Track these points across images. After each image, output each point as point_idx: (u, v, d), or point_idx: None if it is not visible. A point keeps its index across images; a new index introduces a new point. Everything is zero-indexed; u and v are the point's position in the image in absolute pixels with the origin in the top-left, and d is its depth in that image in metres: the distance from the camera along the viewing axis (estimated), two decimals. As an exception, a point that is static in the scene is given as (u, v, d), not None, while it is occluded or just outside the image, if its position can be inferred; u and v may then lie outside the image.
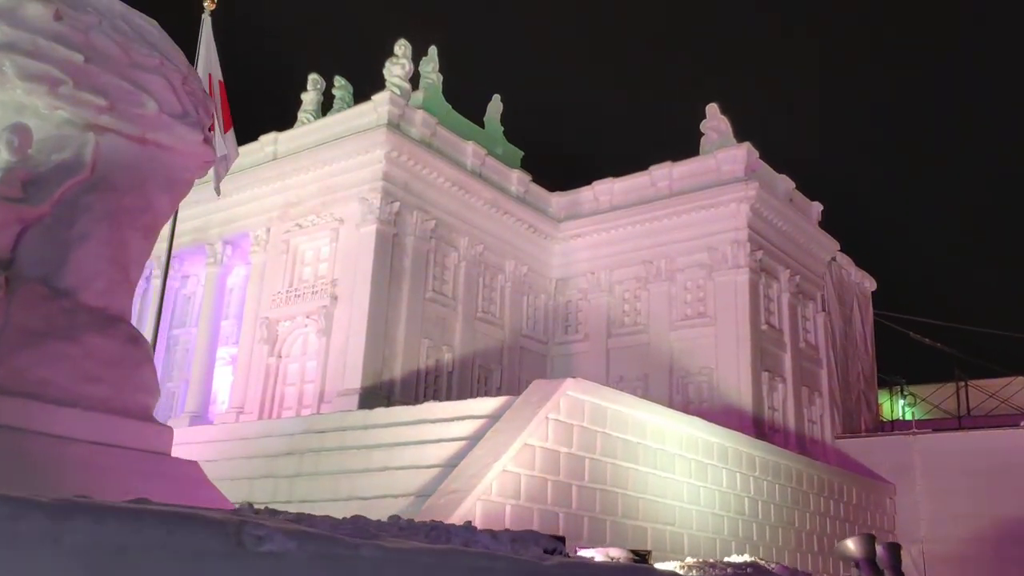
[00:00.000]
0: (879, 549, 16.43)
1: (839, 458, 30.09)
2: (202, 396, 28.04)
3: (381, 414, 19.27)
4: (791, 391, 29.28)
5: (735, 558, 12.44)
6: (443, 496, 14.29)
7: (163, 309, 30.95)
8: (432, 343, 26.84)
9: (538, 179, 34.27)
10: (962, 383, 39.71)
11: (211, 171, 17.06)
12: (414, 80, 33.62)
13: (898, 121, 63.43)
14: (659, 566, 9.45)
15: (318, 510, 14.73)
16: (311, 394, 25.25)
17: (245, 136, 29.42)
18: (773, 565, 11.71)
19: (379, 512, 14.87)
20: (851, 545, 15.28)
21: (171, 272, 30.87)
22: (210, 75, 17.14)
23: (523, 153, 37.53)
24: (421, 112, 27.64)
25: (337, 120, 27.81)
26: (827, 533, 24.78)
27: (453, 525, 8.05)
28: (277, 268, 27.38)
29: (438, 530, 7.13)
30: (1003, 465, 27.32)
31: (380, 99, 26.61)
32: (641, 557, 9.51)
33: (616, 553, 9.41)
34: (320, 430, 19.60)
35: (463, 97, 37.39)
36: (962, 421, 35.17)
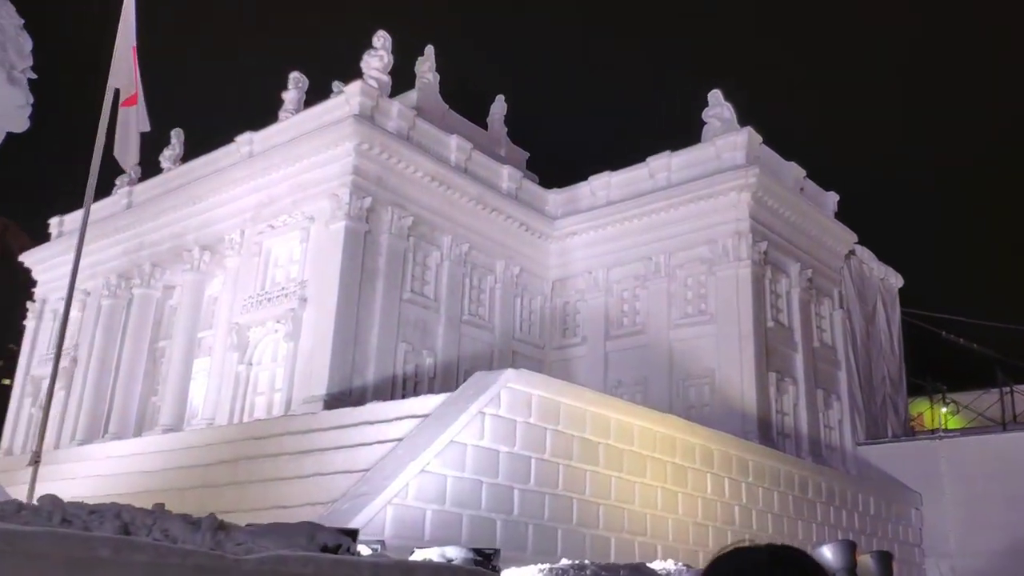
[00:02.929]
0: (868, 559, 14.33)
1: (860, 466, 27.70)
2: (178, 408, 26.85)
3: (324, 417, 17.77)
4: (803, 394, 27.01)
5: (660, 564, 10.58)
6: (348, 501, 12.64)
7: (146, 321, 30.08)
8: (411, 347, 25.26)
9: (545, 180, 32.73)
10: (1006, 388, 36.86)
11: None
12: (408, 80, 32.54)
13: (925, 104, 60.14)
14: (518, 571, 7.74)
15: (240, 520, 13.16)
16: (280, 403, 23.83)
17: (229, 139, 28.47)
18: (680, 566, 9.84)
19: (300, 520, 13.30)
20: (828, 553, 13.26)
21: (152, 282, 30.04)
22: (134, 48, 16.02)
23: (528, 154, 36.09)
24: (397, 104, 26.28)
25: (310, 115, 26.57)
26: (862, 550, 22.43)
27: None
28: (250, 272, 26.14)
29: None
30: (1043, 471, 24.78)
31: (352, 90, 25.33)
32: (486, 557, 7.80)
33: (454, 553, 7.70)
34: (259, 436, 18.14)
35: (468, 98, 36.19)
36: (1007, 429, 32.44)
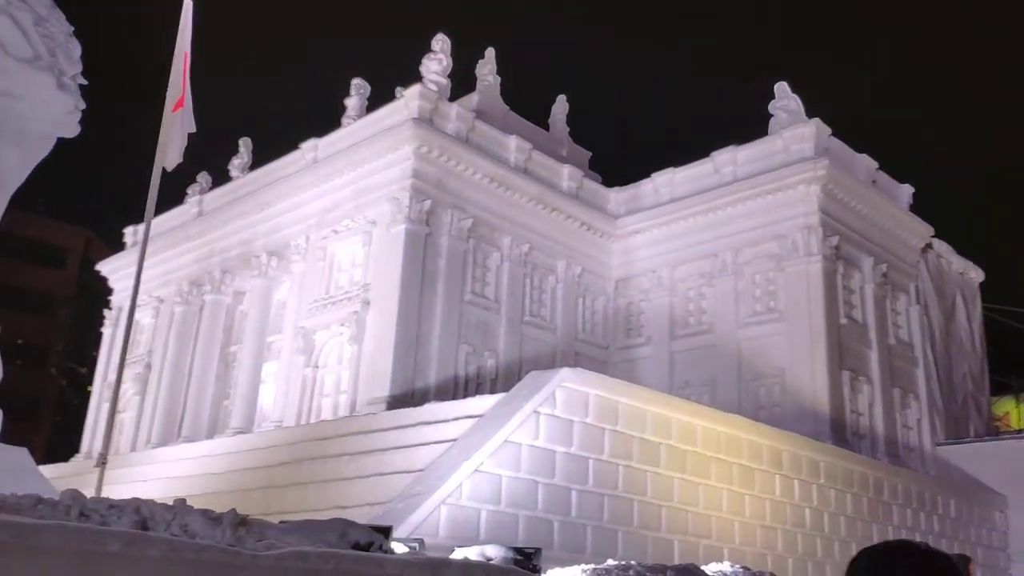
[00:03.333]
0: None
1: (940, 467, 26.59)
2: (248, 411, 27.32)
3: (383, 418, 17.79)
4: (879, 393, 26.03)
5: (716, 566, 10.19)
6: (402, 500, 12.56)
7: (217, 326, 30.72)
8: (472, 349, 25.20)
9: (609, 180, 32.37)
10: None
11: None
12: (471, 83, 32.59)
13: (1005, 90, 57.48)
14: (561, 571, 7.51)
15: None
16: (345, 404, 24.01)
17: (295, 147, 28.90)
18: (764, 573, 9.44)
19: (360, 520, 13.31)
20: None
21: (223, 288, 30.65)
22: (186, 53, 16.33)
23: (591, 154, 35.78)
24: (456, 107, 26.29)
25: (371, 120, 26.77)
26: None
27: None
28: (315, 276, 26.45)
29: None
30: None
31: (411, 94, 25.43)
32: (526, 556, 7.58)
33: (493, 552, 7.50)
34: (321, 437, 18.26)
35: (531, 99, 36.05)
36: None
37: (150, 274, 33.97)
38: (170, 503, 5.19)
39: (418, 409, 17.44)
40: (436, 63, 27.10)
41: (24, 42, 9.22)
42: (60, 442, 43.80)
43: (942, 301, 29.92)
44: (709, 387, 26.54)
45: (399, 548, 7.07)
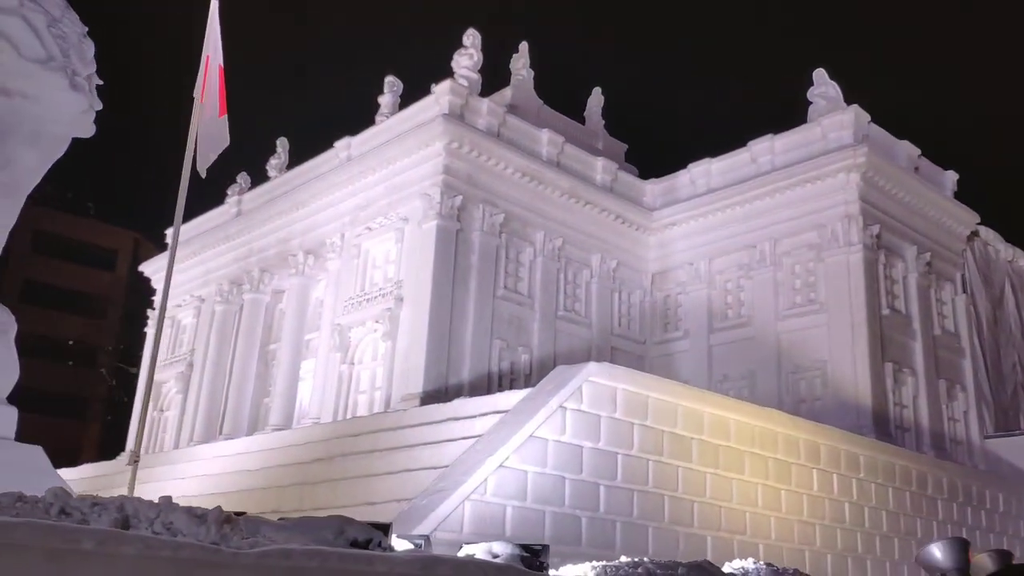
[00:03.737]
0: (985, 558, 13.22)
1: (989, 460, 25.84)
2: (287, 408, 27.57)
3: (413, 414, 17.77)
4: (924, 385, 25.36)
5: (739, 563, 9.93)
6: (426, 497, 12.49)
7: (257, 325, 31.03)
8: (506, 344, 25.09)
9: (647, 172, 31.97)
10: None
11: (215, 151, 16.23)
12: (505, 77, 32.49)
13: None
14: (573, 567, 7.34)
15: None
16: (380, 401, 24.08)
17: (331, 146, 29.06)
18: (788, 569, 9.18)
19: (387, 516, 13.29)
20: (937, 552, 12.28)
21: (262, 287, 30.94)
22: (208, 57, 16.42)
23: (627, 146, 35.46)
24: (487, 102, 26.17)
25: (403, 117, 26.78)
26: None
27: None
28: (350, 273, 26.56)
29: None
30: None
31: (441, 90, 25.38)
32: (534, 553, 7.43)
33: (500, 549, 7.36)
34: (353, 434, 18.30)
35: (566, 93, 35.80)
36: None
37: (191, 274, 34.51)
38: (163, 500, 5.15)
39: (447, 405, 17.39)
40: (467, 58, 27.00)
41: (37, 43, 9.30)
42: (110, 441, 44.73)
43: (989, 290, 29.07)
44: (748, 381, 26.11)
45: (402, 545, 6.99)
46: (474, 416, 15.77)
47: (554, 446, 13.72)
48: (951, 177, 29.01)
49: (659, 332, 29.33)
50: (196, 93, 14.36)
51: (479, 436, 14.80)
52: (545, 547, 7.65)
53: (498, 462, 12.82)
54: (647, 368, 28.36)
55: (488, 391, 23.86)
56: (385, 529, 6.29)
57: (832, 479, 17.94)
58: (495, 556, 7.09)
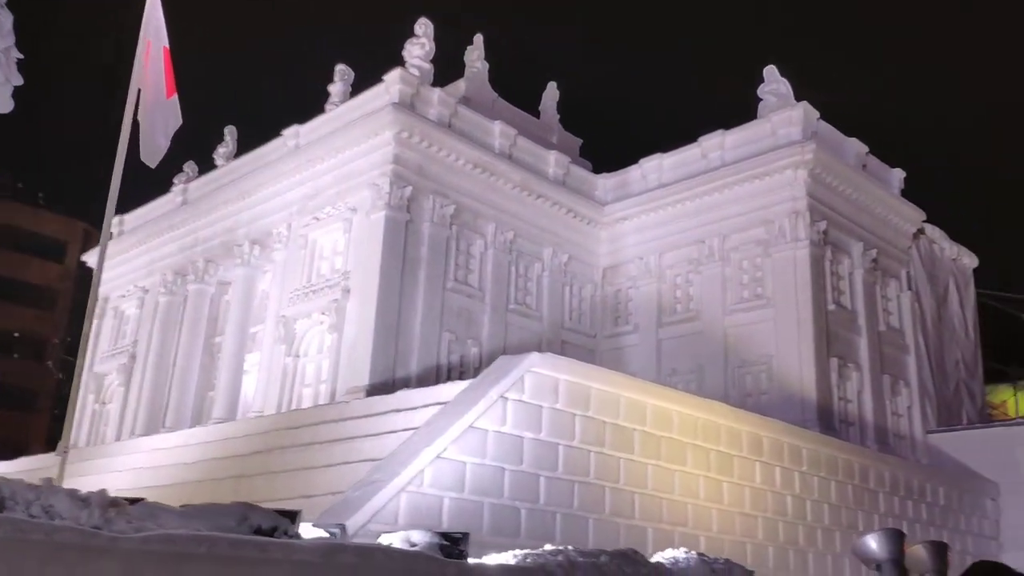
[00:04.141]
0: (920, 550, 13.28)
1: (932, 455, 26.23)
2: (231, 402, 27.04)
3: (355, 406, 17.51)
4: (868, 380, 25.66)
5: (671, 552, 9.84)
6: (360, 488, 12.24)
7: (201, 316, 30.44)
8: (455, 337, 24.86)
9: (602, 167, 31.88)
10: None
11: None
12: (460, 70, 32.22)
13: (1001, 76, 56.49)
14: (498, 556, 7.18)
15: None
16: (325, 394, 23.71)
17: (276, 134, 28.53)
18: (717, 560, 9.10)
19: (320, 509, 13.00)
20: (872, 543, 12.29)
21: (207, 278, 30.32)
22: (149, 42, 15.96)
23: (581, 141, 35.39)
24: (438, 91, 25.88)
25: (353, 105, 26.39)
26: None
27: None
28: (296, 264, 26.12)
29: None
30: None
31: (392, 79, 25.03)
32: (453, 541, 7.25)
33: (418, 537, 7.16)
34: (293, 426, 17.96)
35: (522, 87, 35.53)
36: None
37: (136, 264, 33.75)
38: (44, 482, 4.86)
39: (390, 396, 17.13)
40: (419, 48, 26.71)
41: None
42: (58, 434, 43.68)
43: (934, 287, 29.51)
44: (696, 375, 26.21)
45: (316, 534, 6.75)
46: (416, 408, 15.53)
47: (494, 437, 13.55)
48: (898, 175, 29.39)
49: (609, 326, 29.32)
50: (134, 82, 13.92)
51: (417, 427, 14.57)
52: (465, 535, 7.46)
53: (435, 453, 12.61)
54: (597, 362, 28.30)
55: (436, 384, 23.61)
56: (292, 517, 6.07)
57: (775, 472, 18.01)
58: (413, 545, 6.90)
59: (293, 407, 24.32)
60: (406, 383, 22.87)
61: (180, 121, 16.43)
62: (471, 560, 7.02)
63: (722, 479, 16.83)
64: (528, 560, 7.32)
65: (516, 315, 26.87)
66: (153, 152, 15.79)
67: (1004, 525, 24.59)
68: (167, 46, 16.72)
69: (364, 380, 22.23)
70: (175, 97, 16.44)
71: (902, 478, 21.94)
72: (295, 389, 24.81)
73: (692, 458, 16.36)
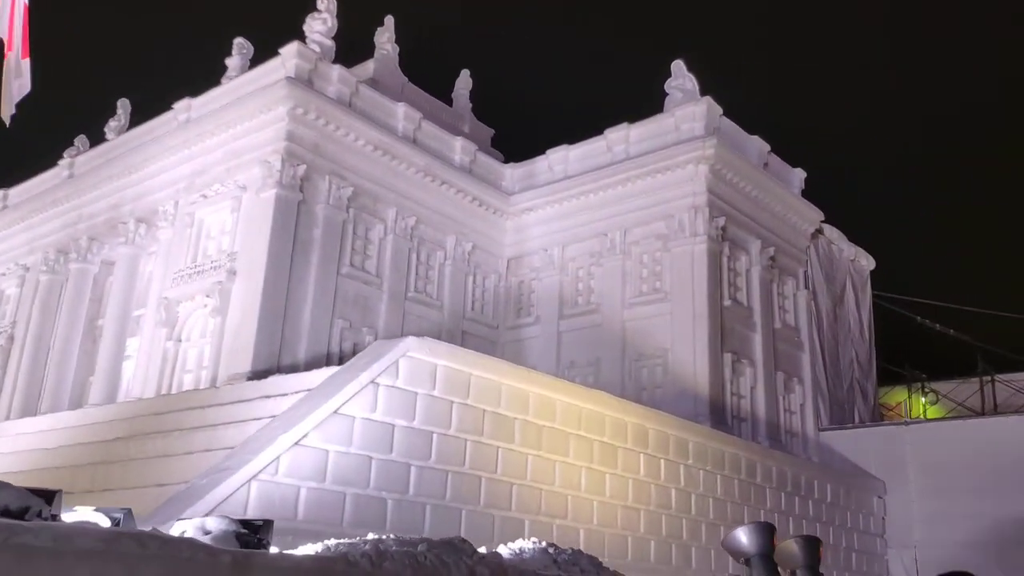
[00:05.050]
0: (791, 544, 13.08)
1: (823, 452, 26.55)
2: (110, 387, 25.66)
3: (224, 392, 16.62)
4: (762, 376, 25.82)
5: (520, 543, 9.38)
6: (207, 476, 11.43)
7: (83, 297, 28.86)
8: (349, 324, 24.03)
9: (514, 158, 31.32)
10: (987, 377, 35.65)
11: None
12: (369, 50, 31.37)
13: (899, 79, 57.95)
14: (313, 546, 6.57)
15: (124, 499, 11.99)
16: (207, 380, 22.60)
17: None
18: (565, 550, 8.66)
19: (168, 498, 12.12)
20: (742, 537, 12.04)
21: (90, 257, 28.78)
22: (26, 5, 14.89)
23: (493, 131, 34.85)
24: (339, 68, 24.97)
25: (246, 80, 25.26)
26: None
27: None
28: (182, 244, 24.89)
29: None
30: (1013, 459, 23.64)
31: (288, 52, 24.03)
32: (254, 529, 6.65)
33: (213, 525, 6.52)
34: (159, 412, 16.95)
35: (436, 74, 34.75)
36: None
37: (17, 241, 31.86)
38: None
39: (261, 382, 16.31)
40: (320, 23, 25.78)
41: None
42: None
43: (831, 287, 29.94)
44: (594, 367, 25.99)
45: (98, 520, 6.04)
46: (287, 394, 14.75)
47: (362, 424, 12.88)
48: (799, 175, 29.70)
49: (512, 317, 28.88)
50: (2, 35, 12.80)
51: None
52: (268, 523, 6.84)
53: (293, 440, 11.88)
54: (498, 353, 27.81)
55: (325, 372, 22.76)
56: (49, 497, 5.35)
57: (660, 464, 17.79)
58: (208, 532, 6.24)
59: (173, 394, 23.17)
60: (293, 370, 21.93)
61: (28, 88, 15.29)
62: (273, 550, 6.41)
63: (605, 471, 16.51)
64: (332, 549, 6.72)
65: (415, 304, 26.17)
66: (7, 109, 14.68)
67: (889, 522, 25.04)
68: (27, 3, 15.57)
69: (247, 367, 21.21)
70: (27, 61, 15.33)
71: (790, 474, 22.05)
72: (176, 375, 23.63)
73: (575, 449, 15.97)
